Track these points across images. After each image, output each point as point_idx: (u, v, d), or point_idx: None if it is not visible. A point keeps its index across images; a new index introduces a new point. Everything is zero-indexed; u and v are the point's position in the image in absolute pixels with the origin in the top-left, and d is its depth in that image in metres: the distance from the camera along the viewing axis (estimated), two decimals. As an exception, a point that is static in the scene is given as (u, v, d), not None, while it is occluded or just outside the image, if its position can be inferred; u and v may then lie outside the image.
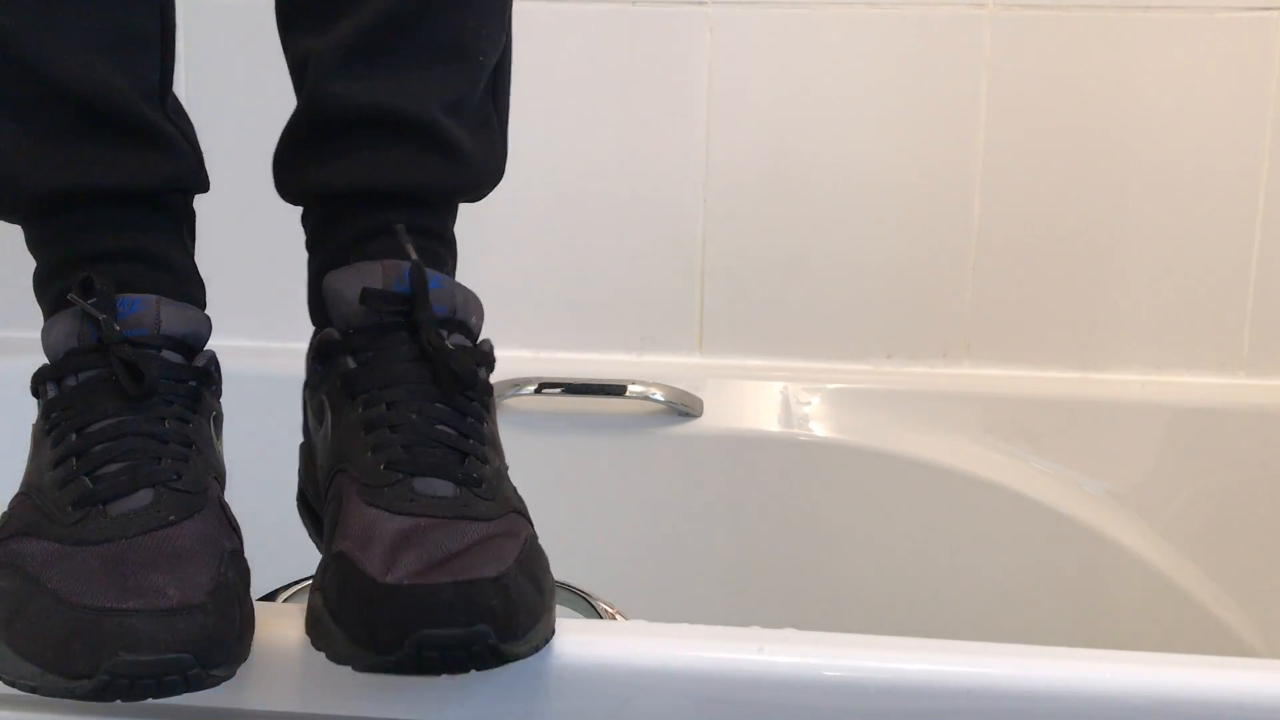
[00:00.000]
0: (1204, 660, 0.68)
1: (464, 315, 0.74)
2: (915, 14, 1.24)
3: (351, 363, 0.73)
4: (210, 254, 1.40)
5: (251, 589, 0.71)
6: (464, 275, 1.32)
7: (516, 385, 1.27)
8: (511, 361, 1.31)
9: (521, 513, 0.70)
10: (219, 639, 0.63)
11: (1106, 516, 1.22)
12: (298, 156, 0.79)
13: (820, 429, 1.27)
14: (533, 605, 0.64)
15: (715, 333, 1.31)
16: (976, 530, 1.23)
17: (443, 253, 0.79)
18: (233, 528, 0.70)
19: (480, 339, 0.76)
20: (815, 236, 1.28)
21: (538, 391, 1.27)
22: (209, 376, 0.75)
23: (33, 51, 0.73)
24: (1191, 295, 1.26)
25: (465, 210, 1.35)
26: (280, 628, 0.71)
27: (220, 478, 0.73)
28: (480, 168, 0.79)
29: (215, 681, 0.64)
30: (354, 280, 0.73)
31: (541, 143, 1.25)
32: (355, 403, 0.71)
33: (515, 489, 0.72)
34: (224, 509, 0.71)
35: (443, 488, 0.68)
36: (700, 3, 1.26)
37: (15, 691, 0.71)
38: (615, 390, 1.25)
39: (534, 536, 0.69)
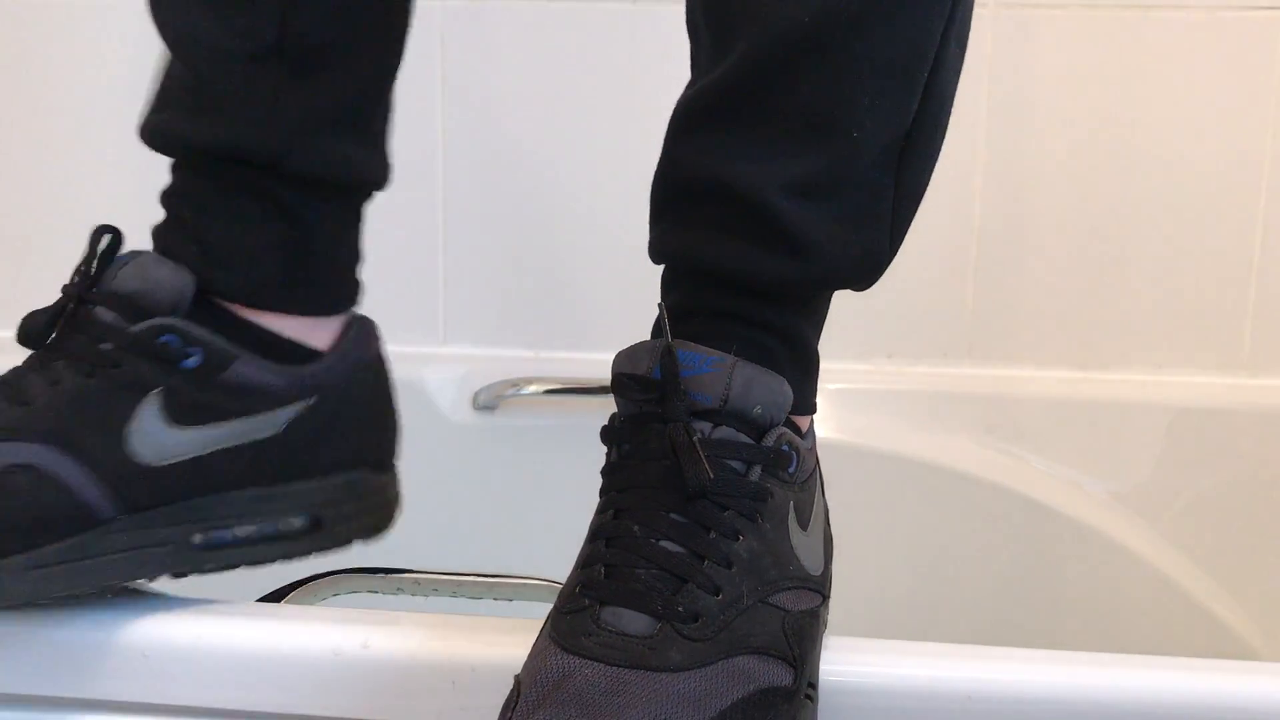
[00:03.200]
0: (1206, 664, 0.68)
1: (741, 405, 0.62)
2: (916, 13, 1.24)
3: (615, 454, 0.64)
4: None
5: (253, 589, 0.71)
6: (464, 274, 1.32)
7: (516, 385, 1.27)
8: (511, 361, 1.32)
9: (769, 653, 0.58)
10: None
11: (1107, 516, 1.22)
12: (653, 212, 0.71)
13: (821, 429, 1.27)
14: None
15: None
16: (976, 530, 1.23)
17: (772, 346, 0.66)
18: None
19: (779, 432, 0.63)
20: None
21: (538, 392, 1.27)
22: None
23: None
24: (1193, 295, 1.26)
25: (466, 210, 1.35)
26: (284, 628, 0.71)
27: None
28: (834, 260, 0.65)
29: None
30: (627, 360, 0.65)
31: (542, 142, 1.25)
32: (601, 503, 0.63)
33: (796, 621, 0.61)
34: None
35: (634, 622, 0.57)
36: (701, 2, 1.26)
37: (15, 691, 0.71)
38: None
39: (772, 691, 0.57)
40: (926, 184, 0.68)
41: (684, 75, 1.37)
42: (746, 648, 0.58)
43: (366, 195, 0.75)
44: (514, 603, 1.01)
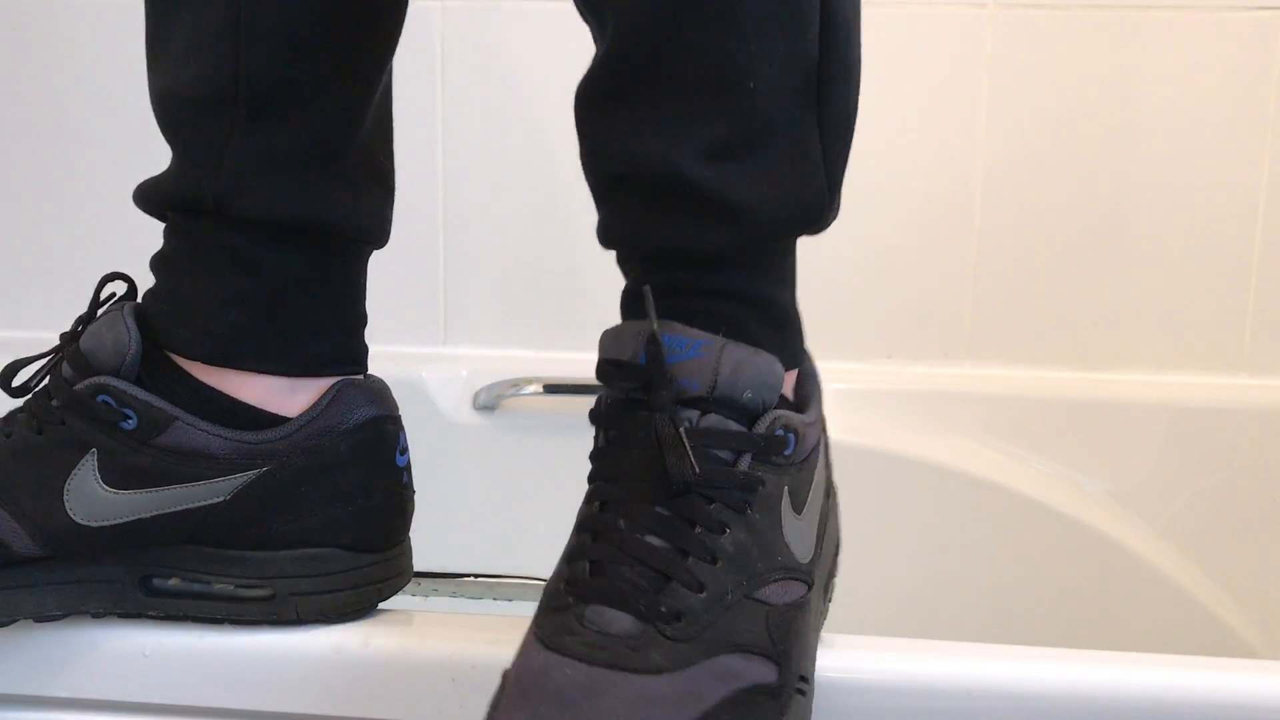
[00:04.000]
0: (1205, 663, 0.68)
1: (730, 390, 0.60)
2: (916, 13, 1.24)
3: (602, 439, 0.62)
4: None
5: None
6: (464, 274, 1.32)
7: (516, 385, 1.27)
8: (511, 361, 1.32)
9: (753, 650, 0.57)
10: None
11: (1107, 516, 1.22)
12: (594, 199, 0.68)
13: (821, 429, 1.27)
14: None
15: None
16: (976, 530, 1.23)
17: (739, 313, 0.63)
18: None
19: (774, 416, 0.61)
20: (816, 236, 1.27)
21: (539, 392, 1.27)
22: None
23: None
24: (1192, 295, 1.26)
25: (466, 210, 1.35)
26: (282, 628, 0.71)
27: None
28: (770, 214, 0.62)
29: None
30: (613, 344, 0.62)
31: (541, 142, 1.25)
32: (589, 491, 0.61)
33: (781, 615, 0.59)
34: None
35: (617, 622, 0.56)
36: (700, 2, 1.25)
37: (14, 691, 0.71)
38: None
39: (757, 689, 0.56)
40: (854, 111, 0.65)
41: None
42: (730, 645, 0.57)
43: (346, 244, 0.70)
44: (514, 603, 1.01)
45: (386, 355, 1.32)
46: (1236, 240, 1.25)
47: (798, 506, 0.62)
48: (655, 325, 0.60)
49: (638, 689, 0.54)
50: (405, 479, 0.71)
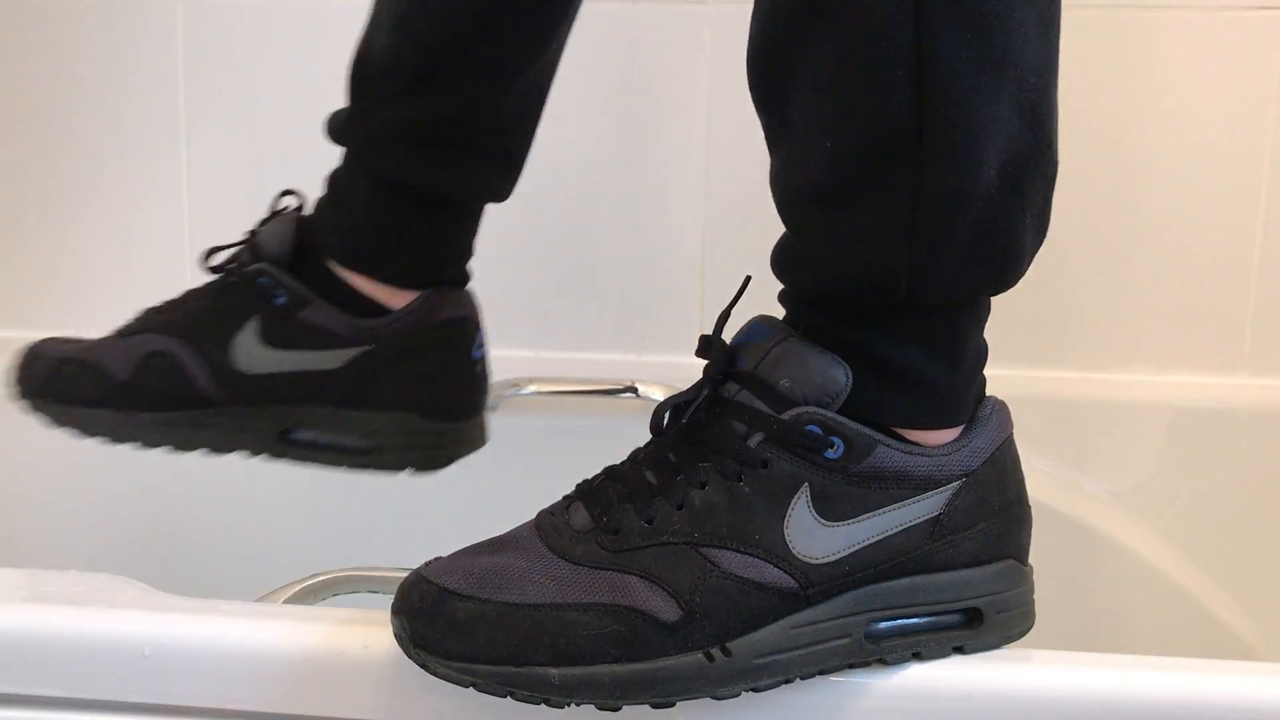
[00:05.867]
0: (1205, 664, 0.68)
1: (767, 375, 0.66)
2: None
3: None
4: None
5: (251, 589, 0.71)
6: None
7: (516, 385, 1.27)
8: (511, 361, 1.31)
9: (661, 585, 0.64)
10: None
11: (1108, 516, 1.22)
12: None
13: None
14: (463, 629, 0.63)
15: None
16: (977, 530, 1.23)
17: (848, 355, 0.67)
18: None
19: (803, 410, 0.65)
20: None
21: (539, 392, 1.27)
22: None
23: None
24: (1193, 295, 1.26)
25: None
26: (284, 628, 0.71)
27: None
28: (837, 273, 0.67)
29: None
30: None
31: (541, 142, 1.25)
32: None
33: (719, 578, 0.64)
34: None
35: (579, 517, 0.67)
36: (700, 2, 1.25)
37: (14, 691, 0.71)
38: (616, 391, 1.25)
39: (641, 615, 0.63)
40: (965, 191, 0.63)
41: (684, 74, 1.37)
42: (642, 571, 0.64)
43: (447, 201, 0.87)
44: (514, 603, 1.00)
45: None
46: (1236, 240, 1.25)
47: (826, 513, 0.66)
48: (728, 310, 0.69)
49: (544, 562, 0.65)
50: (479, 368, 0.89)
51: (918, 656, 0.68)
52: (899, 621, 0.67)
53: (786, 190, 0.68)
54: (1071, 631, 1.20)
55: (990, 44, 0.61)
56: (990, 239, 0.65)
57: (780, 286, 0.71)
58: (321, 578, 0.94)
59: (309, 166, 1.35)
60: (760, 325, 0.69)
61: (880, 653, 0.67)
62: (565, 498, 0.70)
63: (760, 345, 0.67)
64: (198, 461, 1.30)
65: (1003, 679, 0.68)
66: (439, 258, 0.89)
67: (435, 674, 0.65)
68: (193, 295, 0.89)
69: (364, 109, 0.85)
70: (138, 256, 1.36)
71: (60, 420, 0.88)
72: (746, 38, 0.69)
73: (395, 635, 0.66)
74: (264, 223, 0.89)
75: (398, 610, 0.65)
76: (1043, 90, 0.65)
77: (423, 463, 0.88)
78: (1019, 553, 0.71)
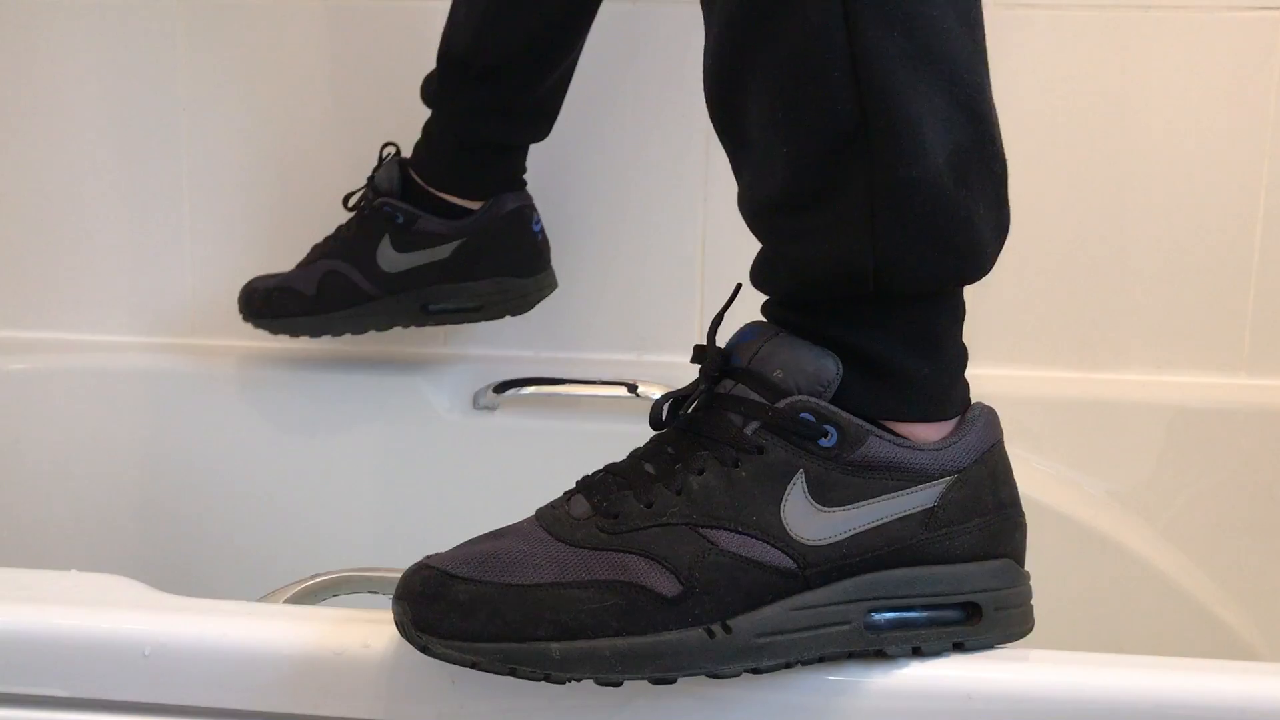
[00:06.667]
0: (1205, 664, 0.68)
1: (761, 368, 0.69)
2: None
3: None
4: (218, 250, 1.41)
5: (251, 589, 0.71)
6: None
7: (516, 385, 1.27)
8: (511, 361, 1.32)
9: (661, 562, 0.66)
10: None
11: (1107, 516, 1.22)
12: None
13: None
14: (465, 609, 0.64)
15: (723, 329, 1.31)
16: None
17: (833, 349, 0.70)
18: None
19: (796, 399, 0.68)
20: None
21: (539, 392, 1.27)
22: None
23: None
24: (1192, 295, 1.26)
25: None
26: (284, 628, 0.71)
27: None
28: (812, 271, 0.71)
29: None
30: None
31: (542, 144, 1.25)
32: None
33: (718, 555, 0.66)
34: None
35: (579, 506, 0.69)
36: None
37: (14, 691, 0.71)
38: (616, 391, 1.25)
39: (642, 590, 0.65)
40: (915, 178, 0.66)
41: (685, 74, 1.37)
42: (642, 550, 0.66)
43: (508, 145, 1.21)
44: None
45: (387, 356, 1.32)
46: (1236, 240, 1.25)
47: (821, 498, 0.68)
48: (721, 315, 0.71)
49: (545, 547, 0.67)
50: (541, 236, 1.23)
51: (918, 651, 0.68)
52: (899, 614, 0.68)
53: (753, 205, 0.72)
54: (1071, 631, 1.20)
55: (916, 41, 0.65)
56: (947, 227, 0.67)
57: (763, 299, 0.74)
58: (321, 578, 0.94)
59: (309, 166, 1.35)
60: (750, 327, 0.72)
61: (880, 643, 0.68)
62: (565, 492, 0.71)
63: (752, 343, 0.70)
64: (198, 462, 1.30)
65: (1003, 679, 0.68)
66: (501, 177, 1.21)
67: (436, 656, 0.65)
68: (342, 229, 1.24)
69: (450, 88, 1.17)
70: (138, 256, 1.36)
71: (275, 329, 1.24)
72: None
73: (396, 623, 0.66)
74: (376, 169, 1.22)
75: (399, 596, 0.66)
76: (976, 87, 0.68)
77: (517, 308, 1.22)
78: (1015, 554, 0.72)
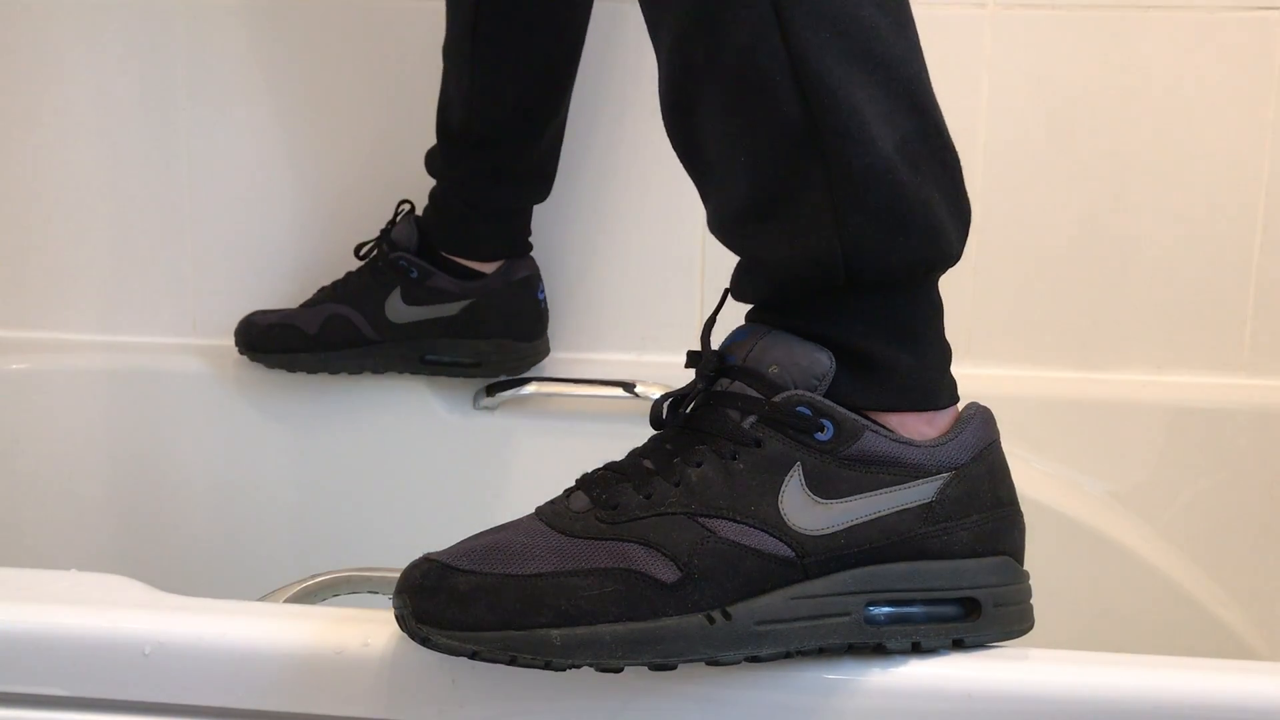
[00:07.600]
0: (1205, 664, 0.68)
1: (756, 364, 0.71)
2: (915, 14, 1.24)
3: None
4: (218, 250, 1.41)
5: (251, 589, 0.71)
6: (464, 275, 1.32)
7: (516, 385, 1.27)
8: (511, 361, 1.32)
9: (661, 550, 0.67)
10: None
11: (1107, 516, 1.22)
12: None
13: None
14: (465, 600, 0.65)
15: (716, 333, 1.31)
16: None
17: (824, 345, 0.72)
18: None
19: (791, 394, 0.69)
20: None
21: (539, 392, 1.27)
22: None
23: None
24: (1192, 295, 1.26)
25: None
26: (284, 628, 0.71)
27: None
28: (788, 270, 0.73)
29: None
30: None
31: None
32: None
33: (717, 543, 0.67)
34: None
35: (579, 501, 0.70)
36: (700, 2, 1.25)
37: (14, 690, 0.71)
38: (616, 390, 1.25)
39: (642, 577, 0.66)
40: (869, 164, 0.68)
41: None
42: (642, 539, 0.67)
43: (510, 209, 1.27)
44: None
45: (386, 355, 1.32)
46: (1236, 240, 1.25)
47: (819, 490, 0.69)
48: (714, 318, 0.74)
49: (544, 538, 0.68)
50: (542, 306, 1.28)
51: (917, 647, 0.69)
52: (898, 608, 0.69)
53: (722, 220, 0.74)
54: (1071, 631, 1.20)
55: (849, 39, 0.68)
56: (908, 212, 0.69)
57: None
58: (321, 578, 0.94)
59: (309, 166, 1.35)
60: (742, 328, 0.74)
61: (880, 637, 0.68)
62: (565, 490, 0.71)
63: (746, 342, 0.72)
64: (197, 462, 1.31)
65: (1002, 678, 0.68)
66: (509, 241, 1.27)
67: (437, 647, 0.65)
68: (352, 275, 1.28)
69: (451, 159, 1.24)
70: (138, 256, 1.36)
71: (272, 364, 1.27)
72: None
73: (396, 617, 0.66)
74: (391, 224, 1.28)
75: (400, 590, 0.66)
76: (915, 80, 0.71)
77: (513, 370, 1.28)
78: (1014, 552, 0.73)
